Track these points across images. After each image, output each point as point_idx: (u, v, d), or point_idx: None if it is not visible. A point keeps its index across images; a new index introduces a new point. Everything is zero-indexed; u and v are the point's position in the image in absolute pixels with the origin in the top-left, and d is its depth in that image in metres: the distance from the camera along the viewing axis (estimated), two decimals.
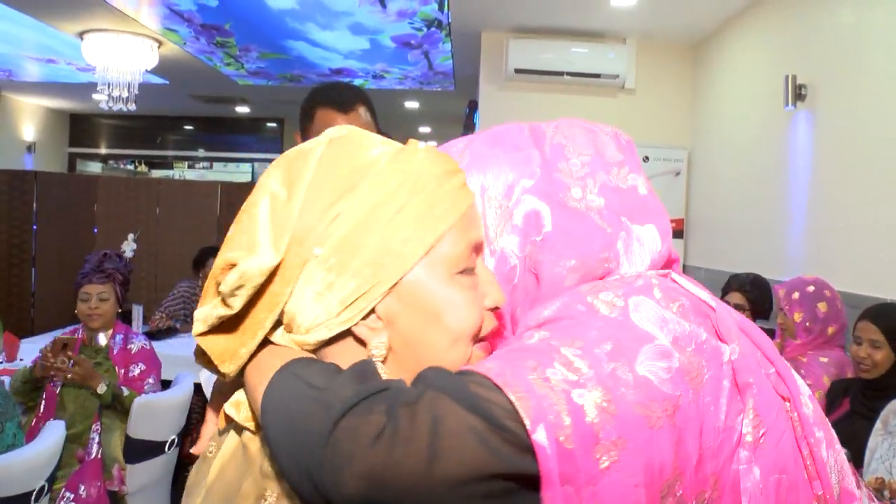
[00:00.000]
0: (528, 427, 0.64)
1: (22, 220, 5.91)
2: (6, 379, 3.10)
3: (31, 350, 3.58)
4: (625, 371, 0.71)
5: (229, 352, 0.75)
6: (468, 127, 6.64)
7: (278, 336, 0.77)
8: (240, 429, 0.79)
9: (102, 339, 3.19)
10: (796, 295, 2.86)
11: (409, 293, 0.75)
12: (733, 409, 0.77)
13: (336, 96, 1.98)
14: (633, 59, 5.35)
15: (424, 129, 12.49)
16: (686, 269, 5.12)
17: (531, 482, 0.66)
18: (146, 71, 6.87)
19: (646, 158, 5.26)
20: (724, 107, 4.92)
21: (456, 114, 9.32)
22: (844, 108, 3.36)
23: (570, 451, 0.65)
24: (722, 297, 3.33)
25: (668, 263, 0.93)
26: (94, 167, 11.79)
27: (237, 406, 0.77)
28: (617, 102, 5.45)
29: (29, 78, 8.65)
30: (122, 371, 3.16)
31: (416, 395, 0.66)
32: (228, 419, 0.79)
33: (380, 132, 2.54)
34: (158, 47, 6.64)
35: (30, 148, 10.28)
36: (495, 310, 0.83)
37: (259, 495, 0.73)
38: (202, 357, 0.78)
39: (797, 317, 2.83)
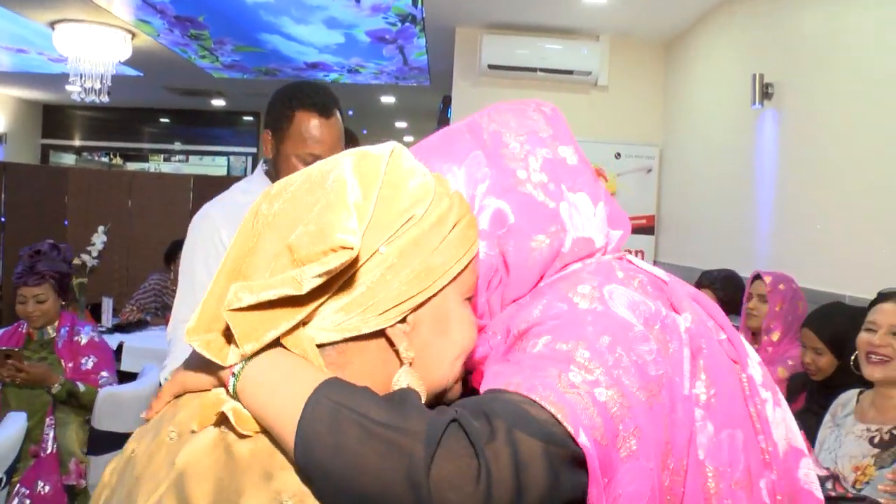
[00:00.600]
0: (572, 433, 0.70)
1: None
2: None
3: None
4: (623, 360, 0.77)
5: (257, 333, 0.74)
6: (443, 122, 6.66)
7: (306, 332, 0.76)
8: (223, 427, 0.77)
9: (50, 332, 3.14)
10: (782, 286, 2.92)
11: (438, 307, 0.82)
12: (693, 376, 0.84)
13: (318, 100, 1.98)
14: (606, 56, 5.38)
15: (401, 124, 12.48)
16: (657, 266, 5.15)
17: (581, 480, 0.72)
18: (119, 62, 6.80)
19: (617, 155, 5.30)
20: (695, 104, 4.97)
21: (431, 109, 9.33)
22: (810, 107, 3.41)
23: (605, 446, 0.72)
24: None
25: (613, 227, 0.98)
26: (68, 159, 11.67)
27: (237, 414, 0.74)
28: (590, 99, 5.48)
29: None
30: (71, 364, 3.11)
31: (489, 431, 0.68)
32: (221, 419, 0.76)
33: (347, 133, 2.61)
34: (132, 39, 6.58)
35: (1, 139, 10.14)
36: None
37: (274, 498, 0.70)
38: (201, 336, 0.76)
39: (778, 307, 2.89)
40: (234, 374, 0.75)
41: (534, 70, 5.24)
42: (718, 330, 0.91)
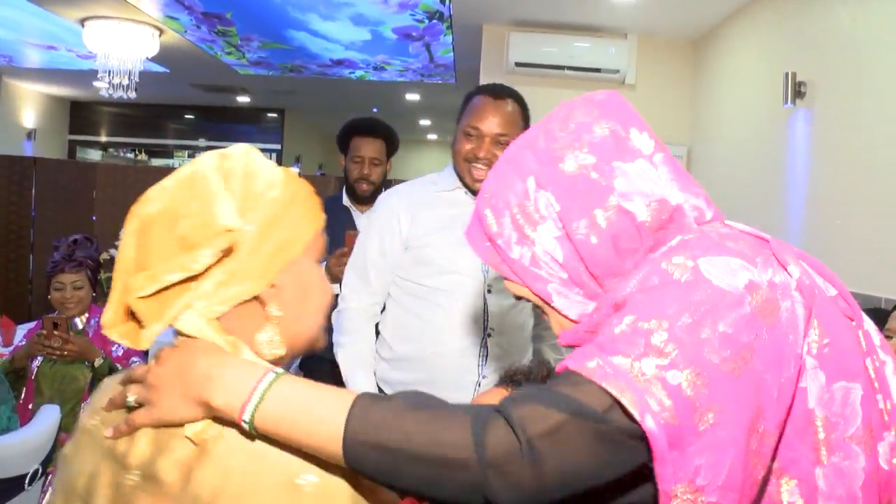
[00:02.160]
0: (637, 418, 0.77)
1: (21, 205, 5.92)
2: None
3: (19, 335, 3.56)
4: (707, 334, 0.81)
5: (159, 314, 0.91)
6: None
7: (199, 306, 0.92)
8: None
9: (79, 324, 3.17)
10: None
11: (299, 269, 0.98)
12: (807, 327, 0.86)
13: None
14: (634, 54, 5.34)
15: (424, 122, 12.48)
16: None
17: (643, 456, 0.80)
18: (147, 59, 6.86)
19: None
20: (723, 103, 4.92)
21: (455, 107, 9.27)
22: (843, 106, 3.36)
23: (676, 425, 0.77)
24: None
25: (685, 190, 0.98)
26: (94, 155, 11.77)
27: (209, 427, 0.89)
28: None
29: (29, 64, 8.63)
30: (103, 353, 3.15)
31: (536, 416, 0.79)
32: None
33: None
34: (159, 35, 6.63)
35: (30, 135, 10.25)
36: None
37: (290, 481, 0.87)
38: (118, 328, 0.94)
39: None
40: (251, 404, 0.85)
41: (561, 68, 5.21)
42: (828, 286, 0.94)
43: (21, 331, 3.95)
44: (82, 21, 6.26)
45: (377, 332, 2.28)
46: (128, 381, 0.93)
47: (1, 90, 9.59)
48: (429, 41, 6.56)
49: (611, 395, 0.78)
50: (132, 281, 0.89)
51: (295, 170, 1.08)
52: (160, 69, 8.15)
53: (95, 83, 8.44)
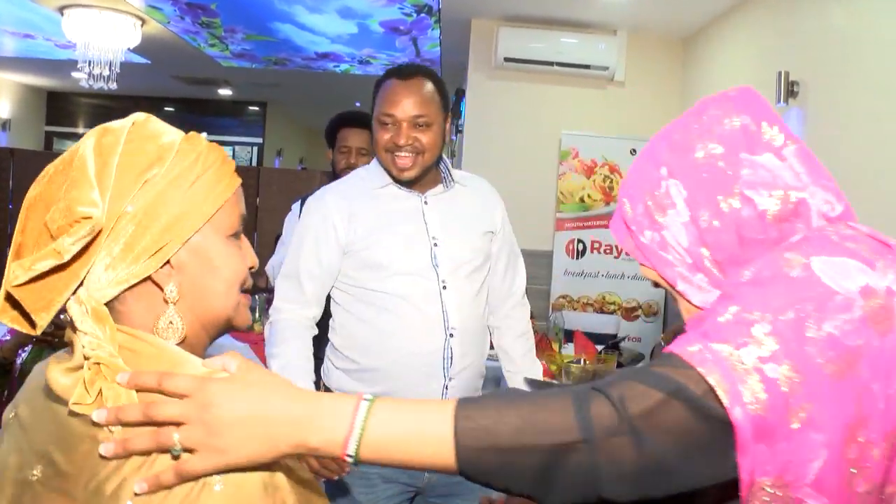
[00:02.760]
0: (726, 406, 0.78)
1: None
2: None
3: (3, 330, 3.47)
4: (812, 333, 0.81)
5: (44, 302, 0.87)
6: (455, 115, 6.59)
7: (81, 293, 0.88)
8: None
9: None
10: None
11: (198, 247, 0.94)
12: None
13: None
14: (624, 51, 5.31)
15: None
16: None
17: (729, 443, 0.80)
18: (128, 50, 6.74)
19: (633, 151, 5.23)
20: None
21: None
22: (836, 105, 3.35)
23: (766, 419, 0.78)
24: None
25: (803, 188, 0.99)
26: (72, 146, 11.60)
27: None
28: (605, 94, 5.42)
29: (4, 52, 8.45)
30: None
31: (648, 402, 0.81)
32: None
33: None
34: (141, 25, 6.51)
35: (4, 125, 10.07)
36: (252, 269, 1.02)
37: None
38: (8, 313, 0.89)
39: None
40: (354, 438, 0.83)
41: (550, 64, 5.17)
42: None
43: (3, 326, 3.85)
44: (61, 9, 6.13)
45: (327, 341, 2.15)
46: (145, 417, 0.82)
47: None
48: (416, 35, 6.50)
49: (706, 381, 0.80)
50: (9, 269, 0.86)
51: (203, 136, 1.01)
52: (141, 60, 8.02)
53: (74, 74, 8.29)
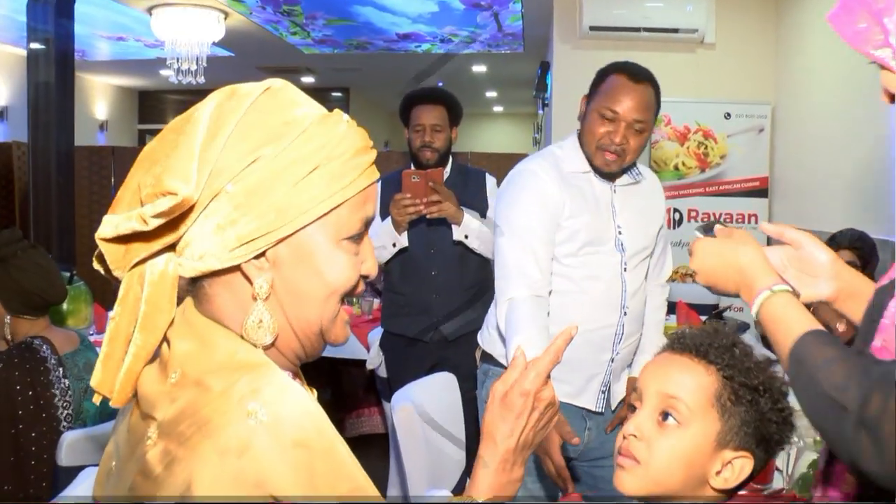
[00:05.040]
0: None
1: (101, 195, 6.02)
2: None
3: None
4: None
5: (124, 260, 0.82)
6: (541, 88, 6.49)
7: (163, 259, 0.82)
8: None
9: None
10: None
11: (301, 245, 0.83)
12: None
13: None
14: (713, 11, 5.11)
15: (491, 94, 12.36)
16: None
17: None
18: (213, 43, 6.88)
19: (727, 115, 5.05)
20: (811, 60, 4.67)
21: (522, 76, 9.15)
22: None
23: None
24: None
25: None
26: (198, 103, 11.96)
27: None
28: (696, 58, 5.23)
29: (100, 56, 8.76)
30: None
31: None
32: None
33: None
34: (224, 19, 6.63)
35: (102, 126, 10.47)
36: (366, 278, 0.92)
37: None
38: (100, 261, 0.84)
39: None
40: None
41: (637, 30, 5.02)
42: None
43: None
44: (150, 10, 6.30)
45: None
46: None
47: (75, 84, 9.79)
48: (497, 9, 6.41)
49: None
50: (103, 220, 0.81)
51: (344, 118, 0.89)
52: (225, 53, 8.18)
53: (162, 71, 8.52)
